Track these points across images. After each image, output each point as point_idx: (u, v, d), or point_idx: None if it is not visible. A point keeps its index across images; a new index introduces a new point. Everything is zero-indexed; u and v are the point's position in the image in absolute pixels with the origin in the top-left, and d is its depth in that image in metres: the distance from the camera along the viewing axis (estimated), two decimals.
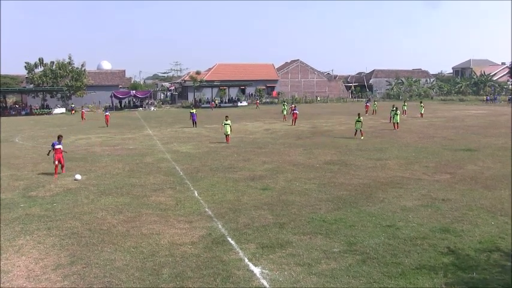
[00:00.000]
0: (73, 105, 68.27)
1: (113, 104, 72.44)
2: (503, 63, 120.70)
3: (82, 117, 52.69)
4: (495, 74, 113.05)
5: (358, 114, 31.84)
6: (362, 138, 29.32)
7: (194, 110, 43.15)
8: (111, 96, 71.94)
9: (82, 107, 62.21)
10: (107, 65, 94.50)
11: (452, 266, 9.07)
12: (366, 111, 54.25)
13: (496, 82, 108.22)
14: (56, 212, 13.37)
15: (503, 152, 23.31)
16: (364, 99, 73.81)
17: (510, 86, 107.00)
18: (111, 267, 9.30)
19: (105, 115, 45.07)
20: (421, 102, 51.49)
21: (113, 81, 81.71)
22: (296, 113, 40.91)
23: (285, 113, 45.75)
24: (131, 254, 10.00)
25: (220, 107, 73.58)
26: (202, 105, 74.85)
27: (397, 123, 34.44)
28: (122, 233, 11.47)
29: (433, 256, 9.62)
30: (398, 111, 34.76)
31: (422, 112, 47.67)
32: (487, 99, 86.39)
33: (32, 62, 71.23)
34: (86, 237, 11.13)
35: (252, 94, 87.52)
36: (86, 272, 9.06)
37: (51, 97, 71.14)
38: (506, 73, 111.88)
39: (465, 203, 13.73)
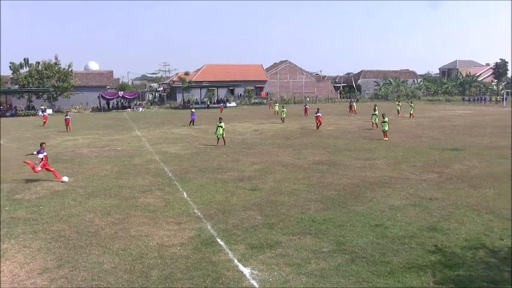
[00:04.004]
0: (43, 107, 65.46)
1: (100, 105, 71.96)
2: (487, 64, 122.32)
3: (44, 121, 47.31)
4: (480, 74, 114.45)
5: (383, 114, 30.77)
6: (385, 139, 28.53)
7: (194, 110, 45.91)
8: (98, 97, 71.42)
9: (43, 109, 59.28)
10: (94, 66, 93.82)
11: (439, 264, 9.17)
12: (350, 111, 55.54)
13: (481, 83, 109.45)
14: (42, 215, 13.22)
15: (489, 151, 23.61)
16: (350, 100, 74.32)
17: (494, 87, 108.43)
18: (99, 270, 9.23)
19: (65, 118, 40.88)
20: (411, 103, 51.99)
21: (101, 81, 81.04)
22: (319, 115, 37.12)
23: (284, 115, 44.45)
24: (120, 256, 9.95)
25: (209, 107, 73.48)
26: (191, 106, 74.61)
27: (385, 131, 29.39)
28: (110, 235, 11.40)
29: (421, 254, 9.71)
30: (386, 118, 29.71)
31: (411, 112, 48.13)
32: (469, 100, 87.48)
33: (17, 62, 70.41)
34: (74, 240, 11.02)
35: (241, 95, 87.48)
36: (73, 276, 8.98)
37: (37, 98, 70.34)
38: (491, 74, 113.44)
39: (452, 201, 13.88)
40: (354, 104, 59.50)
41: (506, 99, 74.62)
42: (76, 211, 13.57)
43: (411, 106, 49.38)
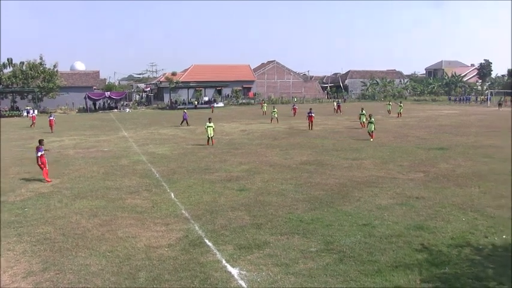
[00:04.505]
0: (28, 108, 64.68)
1: (87, 106, 71.40)
2: (472, 65, 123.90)
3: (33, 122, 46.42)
4: (465, 75, 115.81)
5: (370, 115, 30.97)
6: (371, 140, 28.51)
7: (186, 110, 47.11)
8: (85, 98, 70.79)
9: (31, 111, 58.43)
10: (80, 66, 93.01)
11: (426, 262, 9.25)
12: (337, 111, 56.50)
13: (466, 83, 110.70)
14: (27, 217, 13.05)
15: (474, 150, 23.88)
16: (337, 100, 74.82)
17: (479, 87, 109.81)
18: (85, 272, 9.15)
19: (49, 119, 40.34)
20: (400, 103, 52.72)
21: (87, 82, 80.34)
22: (312, 115, 37.23)
23: (275, 115, 44.22)
24: (107, 258, 9.88)
25: (197, 108, 73.33)
26: (179, 107, 74.42)
27: (372, 132, 29.36)
28: (97, 236, 11.32)
29: (408, 253, 9.79)
30: (372, 119, 29.77)
31: (400, 112, 48.78)
32: (455, 100, 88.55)
33: (0, 62, 69.50)
34: (59, 242, 10.91)
35: (228, 95, 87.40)
36: (59, 279, 8.88)
37: (21, 99, 69.47)
38: (475, 74, 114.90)
39: (438, 200, 14.01)
40: (341, 103, 60.51)
41: (490, 99, 75.50)
42: (62, 213, 13.44)
43: (400, 106, 50.08)
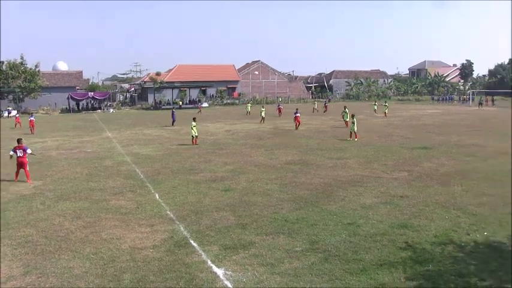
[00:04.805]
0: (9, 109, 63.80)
1: (70, 106, 70.70)
2: (454, 65, 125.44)
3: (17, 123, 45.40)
4: (448, 74, 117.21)
5: (352, 115, 30.64)
6: (355, 140, 28.40)
7: (174, 109, 47.24)
8: (68, 98, 70.11)
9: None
10: (63, 66, 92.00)
11: (410, 260, 9.34)
12: (325, 111, 56.55)
13: (449, 83, 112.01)
14: (8, 220, 12.81)
15: (457, 149, 24.17)
16: (324, 100, 75.33)
17: (461, 87, 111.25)
18: (69, 275, 9.05)
19: (30, 120, 39.41)
20: (385, 103, 53.71)
21: (70, 82, 79.49)
22: (298, 116, 37.18)
23: (263, 115, 44.21)
24: (90, 260, 9.78)
25: (181, 108, 73.04)
26: (163, 107, 74.09)
27: (354, 132, 29.13)
28: (81, 239, 11.20)
29: (392, 251, 9.87)
30: (354, 119, 29.30)
31: (386, 111, 49.64)
32: (438, 99, 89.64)
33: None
34: (42, 245, 10.75)
35: (213, 95, 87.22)
36: (41, 282, 8.76)
37: (1, 99, 68.38)
38: (458, 74, 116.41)
39: (422, 199, 14.15)
40: (327, 104, 61.72)
41: (473, 99, 76.53)
42: (44, 215, 13.27)
43: (385, 106, 51.06)
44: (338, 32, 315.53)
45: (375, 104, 56.26)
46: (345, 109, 38.93)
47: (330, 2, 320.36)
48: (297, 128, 36.44)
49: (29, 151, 18.38)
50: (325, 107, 59.33)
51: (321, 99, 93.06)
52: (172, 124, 42.25)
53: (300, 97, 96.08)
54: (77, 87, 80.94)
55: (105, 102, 75.73)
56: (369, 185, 16.11)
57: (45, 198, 15.21)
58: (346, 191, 15.38)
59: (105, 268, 9.34)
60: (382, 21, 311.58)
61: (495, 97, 79.70)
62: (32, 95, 69.85)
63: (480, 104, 67.90)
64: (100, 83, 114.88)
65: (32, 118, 39.96)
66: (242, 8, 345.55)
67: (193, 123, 28.47)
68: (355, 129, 28.91)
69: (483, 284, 8.28)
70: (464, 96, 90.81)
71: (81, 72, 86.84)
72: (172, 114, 43.73)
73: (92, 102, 74.31)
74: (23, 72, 69.03)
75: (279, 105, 56.77)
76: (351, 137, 28.70)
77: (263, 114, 44.22)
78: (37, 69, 71.32)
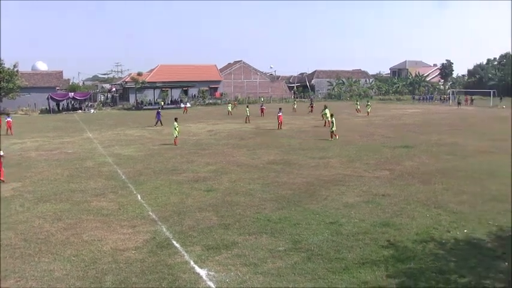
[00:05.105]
0: None
1: (50, 107, 69.74)
2: (434, 65, 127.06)
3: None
4: (428, 74, 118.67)
5: (331, 115, 30.85)
6: (336, 138, 28.39)
7: (160, 109, 47.55)
8: (47, 99, 69.12)
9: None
10: (42, 66, 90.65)
11: (392, 258, 9.43)
12: (311, 111, 56.91)
13: (429, 82, 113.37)
14: None
15: (437, 148, 24.47)
16: (310, 100, 75.65)
17: (441, 86, 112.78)
18: (49, 278, 8.92)
19: (7, 121, 38.05)
20: (368, 102, 54.25)
21: (50, 82, 78.28)
22: (281, 115, 37.35)
23: (248, 114, 44.35)
24: (72, 262, 9.67)
25: (163, 108, 72.62)
26: (145, 107, 73.56)
27: (332, 131, 29.09)
28: (61, 241, 11.06)
29: (375, 250, 9.95)
30: (333, 119, 29.35)
31: (369, 111, 50.13)
32: (419, 99, 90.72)
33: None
34: (21, 248, 10.58)
35: (194, 95, 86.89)
36: (20, 286, 8.63)
37: None
38: (438, 74, 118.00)
39: (403, 197, 14.29)
40: (296, 103, 63.06)
41: (455, 99, 77.57)
42: (24, 217, 13.07)
43: (368, 105, 51.55)
44: (320, 32, 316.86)
45: (357, 103, 56.86)
46: (325, 108, 39.07)
47: (311, 2, 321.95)
48: (279, 128, 36.52)
49: (1, 153, 17.95)
50: (311, 107, 59.30)
51: (304, 99, 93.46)
52: (156, 124, 42.06)
53: (282, 97, 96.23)
54: (57, 88, 79.83)
55: (86, 103, 74.89)
56: (351, 184, 16.21)
57: (24, 200, 14.98)
58: (329, 190, 15.46)
59: (87, 270, 9.23)
60: (364, 21, 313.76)
61: (473, 97, 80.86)
62: (10, 95, 68.64)
63: (459, 103, 69.03)
64: (81, 83, 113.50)
65: (9, 119, 39.06)
66: (224, 7, 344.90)
67: (175, 124, 28.51)
68: (334, 129, 28.89)
69: (463, 280, 8.41)
70: (445, 96, 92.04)
71: (61, 72, 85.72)
72: (158, 114, 43.54)
73: (73, 102, 73.37)
74: (0, 72, 67.83)
75: (261, 106, 56.83)
76: (331, 137, 28.67)
77: (248, 113, 44.39)
78: (15, 69, 70.03)
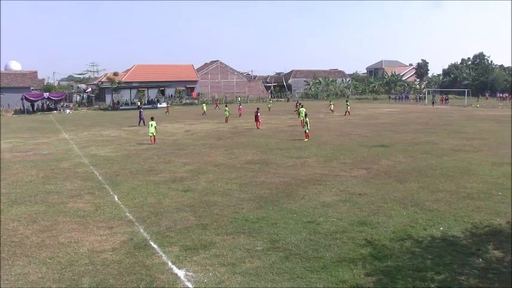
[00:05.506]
0: None
1: (24, 107, 68.53)
2: (410, 64, 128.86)
3: None
4: (404, 74, 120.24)
5: (305, 114, 31.22)
6: (306, 140, 28.28)
7: (142, 109, 47.21)
8: (22, 99, 67.95)
9: None
10: (16, 66, 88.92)
11: (369, 257, 9.51)
12: (295, 110, 57.41)
13: (405, 82, 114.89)
14: None
15: (413, 146, 24.80)
16: (297, 101, 75.81)
17: (417, 86, 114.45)
18: (24, 281, 8.76)
19: None
20: (347, 101, 54.28)
21: (24, 82, 76.95)
22: (259, 115, 37.59)
23: (227, 114, 44.40)
24: (47, 265, 9.51)
25: (139, 108, 71.97)
26: (121, 107, 72.84)
27: (305, 131, 29.12)
28: (37, 243, 10.87)
29: (352, 248, 10.02)
30: (307, 119, 29.66)
31: (348, 110, 50.24)
32: (395, 98, 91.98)
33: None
34: None
35: (171, 95, 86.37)
36: None
37: None
38: (414, 73, 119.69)
39: (380, 196, 14.43)
40: (271, 103, 64.23)
41: (433, 98, 78.80)
42: None
43: (347, 105, 51.55)
44: (297, 31, 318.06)
45: (331, 104, 56.97)
46: (301, 107, 39.35)
47: (288, 2, 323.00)
48: (258, 127, 36.61)
49: None
50: (296, 107, 59.31)
51: (281, 99, 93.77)
52: (139, 124, 41.86)
53: (259, 97, 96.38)
54: (32, 88, 78.46)
55: (62, 103, 73.92)
56: (328, 184, 16.31)
57: None
58: (306, 189, 15.53)
59: (63, 273, 9.10)
60: (341, 21, 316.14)
61: (448, 95, 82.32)
62: None
63: (433, 102, 70.20)
64: (56, 83, 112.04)
65: None
66: (201, 7, 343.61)
67: (153, 123, 28.51)
68: (307, 128, 28.92)
69: (439, 277, 8.53)
70: (420, 95, 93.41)
71: (36, 72, 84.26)
72: (140, 114, 43.38)
73: (48, 103, 72.31)
74: None
75: (239, 106, 56.80)
76: (307, 137, 28.66)
77: (227, 113, 44.41)
78: None
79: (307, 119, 29.55)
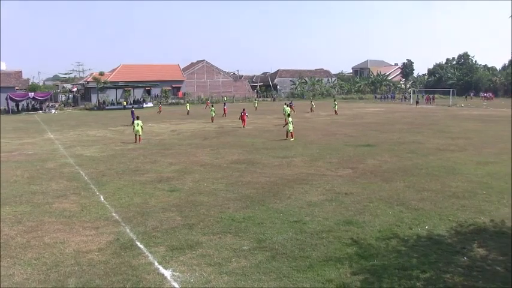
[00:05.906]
0: None
1: (9, 107, 67.76)
2: (396, 64, 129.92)
3: None
4: (389, 74, 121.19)
5: (289, 114, 31.55)
6: (291, 140, 28.22)
7: (134, 109, 45.80)
8: (6, 99, 67.14)
9: None
10: (0, 65, 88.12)
11: (356, 256, 9.57)
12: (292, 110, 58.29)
13: (391, 81, 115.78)
14: None
15: (399, 146, 25.00)
16: (290, 101, 76.08)
17: (403, 85, 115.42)
18: (8, 283, 8.67)
19: None
20: (334, 101, 54.93)
21: (8, 82, 76.01)
22: (245, 115, 38.05)
23: (213, 114, 44.44)
24: (32, 266, 9.43)
25: (125, 108, 71.55)
26: (107, 107, 72.35)
27: (288, 131, 28.95)
28: (22, 244, 10.77)
29: (339, 248, 10.08)
30: (290, 119, 29.75)
31: (336, 109, 50.65)
32: (380, 98, 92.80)
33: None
34: None
35: (157, 95, 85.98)
36: None
37: None
38: (399, 73, 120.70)
39: (366, 195, 14.53)
40: (257, 103, 65.28)
41: (417, 97, 79.51)
42: None
43: (335, 104, 52.05)
44: (283, 31, 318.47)
45: (312, 104, 58.78)
46: (286, 106, 39.84)
47: (274, 2, 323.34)
48: (243, 126, 36.72)
49: None
50: (291, 107, 59.46)
51: (267, 98, 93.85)
52: (132, 123, 41.46)
53: (246, 96, 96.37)
54: (16, 88, 77.63)
55: (47, 103, 73.21)
56: (314, 183, 16.38)
57: None
58: (292, 189, 15.58)
59: (48, 273, 9.03)
60: (327, 21, 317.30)
61: (434, 95, 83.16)
62: None
63: (417, 102, 71.02)
64: (41, 83, 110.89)
65: None
66: (186, 8, 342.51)
67: (139, 122, 28.57)
68: (290, 128, 28.80)
69: (424, 275, 8.62)
70: (405, 95, 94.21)
71: (21, 72, 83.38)
72: (132, 113, 42.50)
73: (33, 102, 71.57)
74: None
75: (224, 106, 56.79)
76: (292, 137, 28.64)
77: (213, 113, 44.37)
78: None
79: (290, 118, 29.59)
